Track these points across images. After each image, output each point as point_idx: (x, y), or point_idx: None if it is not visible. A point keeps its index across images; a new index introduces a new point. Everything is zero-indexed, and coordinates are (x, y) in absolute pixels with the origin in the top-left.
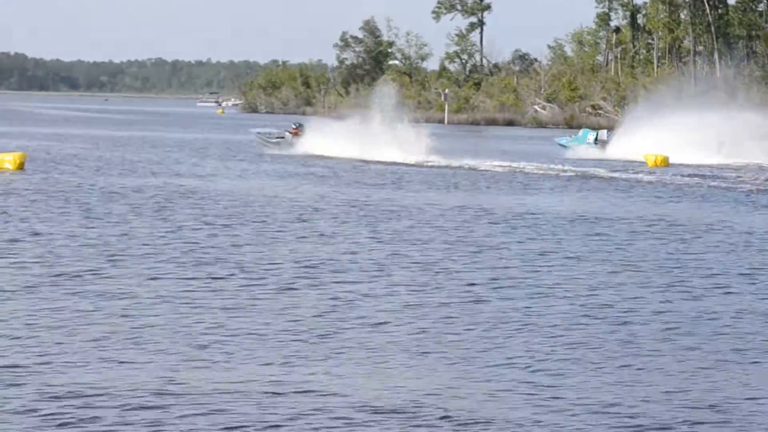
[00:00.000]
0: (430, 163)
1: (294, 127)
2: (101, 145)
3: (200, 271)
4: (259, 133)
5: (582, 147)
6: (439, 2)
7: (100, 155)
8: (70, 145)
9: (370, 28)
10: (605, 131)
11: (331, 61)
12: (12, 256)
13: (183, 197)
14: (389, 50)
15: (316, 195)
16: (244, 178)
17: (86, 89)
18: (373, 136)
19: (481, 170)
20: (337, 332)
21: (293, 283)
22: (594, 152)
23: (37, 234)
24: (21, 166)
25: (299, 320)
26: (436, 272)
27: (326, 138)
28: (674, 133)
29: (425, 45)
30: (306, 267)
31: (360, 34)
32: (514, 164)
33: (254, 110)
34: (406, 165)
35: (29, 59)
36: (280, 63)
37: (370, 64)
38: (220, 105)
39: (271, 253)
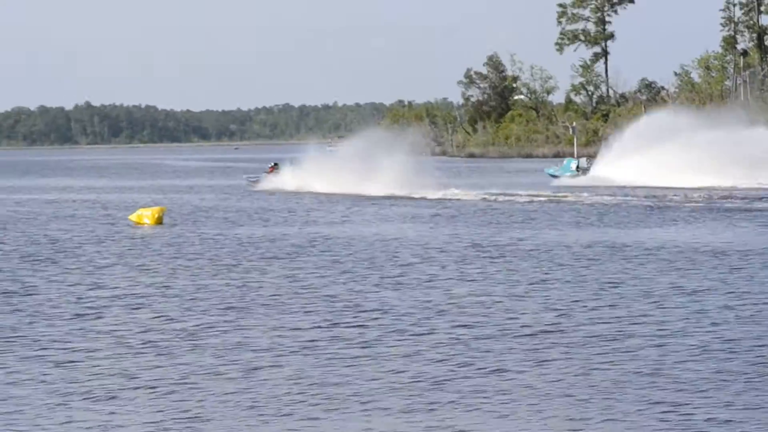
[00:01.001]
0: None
1: (270, 166)
2: (234, 195)
3: (329, 320)
4: (247, 177)
5: (566, 175)
6: (561, 34)
7: (233, 206)
8: (205, 196)
9: (494, 63)
10: (584, 159)
11: (457, 98)
12: (144, 310)
13: (314, 245)
14: (514, 85)
15: (445, 236)
16: (372, 222)
17: (216, 138)
18: (336, 172)
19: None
20: (463, 378)
21: (421, 327)
22: (576, 179)
23: (169, 288)
24: (159, 221)
25: (427, 364)
26: (563, 312)
27: (297, 175)
28: (652, 160)
29: (550, 78)
30: (433, 310)
31: (484, 70)
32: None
33: None
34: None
35: (160, 111)
36: (406, 103)
37: (495, 100)
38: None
39: (398, 298)
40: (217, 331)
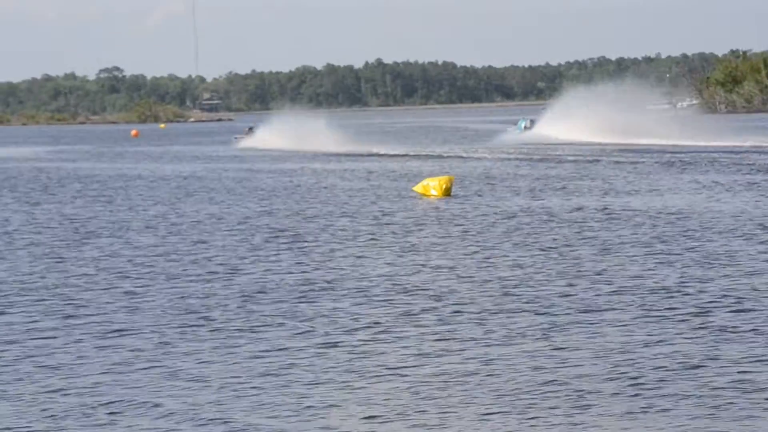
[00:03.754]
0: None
1: (247, 128)
2: (535, 164)
3: (614, 305)
4: (234, 136)
5: (516, 132)
6: None
7: (526, 174)
8: (496, 164)
9: None
10: (530, 120)
11: None
12: (415, 288)
13: (613, 218)
14: None
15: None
16: (677, 192)
17: (522, 97)
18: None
19: None
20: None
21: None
22: (519, 136)
23: (445, 268)
24: (448, 192)
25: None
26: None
27: (266, 136)
28: (580, 122)
29: None
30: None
31: None
32: None
33: (713, 110)
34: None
35: (458, 68)
36: (741, 53)
37: None
38: (674, 106)
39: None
40: (493, 314)
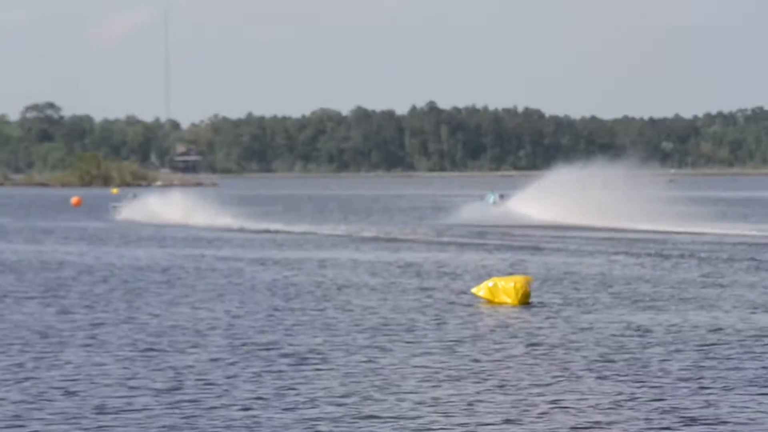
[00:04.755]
0: None
1: (132, 195)
2: (619, 258)
3: None
4: (113, 205)
5: (487, 205)
6: None
7: (624, 274)
8: (578, 259)
9: None
10: (499, 195)
11: None
12: None
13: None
14: None
15: None
16: None
17: (641, 161)
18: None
19: None
20: None
21: None
22: (488, 210)
23: (512, 405)
24: (526, 298)
25: None
26: None
27: (136, 208)
28: (552, 202)
29: None
30: None
31: None
32: None
33: None
34: None
35: (547, 118)
36: None
37: None
38: None
39: None
40: None
